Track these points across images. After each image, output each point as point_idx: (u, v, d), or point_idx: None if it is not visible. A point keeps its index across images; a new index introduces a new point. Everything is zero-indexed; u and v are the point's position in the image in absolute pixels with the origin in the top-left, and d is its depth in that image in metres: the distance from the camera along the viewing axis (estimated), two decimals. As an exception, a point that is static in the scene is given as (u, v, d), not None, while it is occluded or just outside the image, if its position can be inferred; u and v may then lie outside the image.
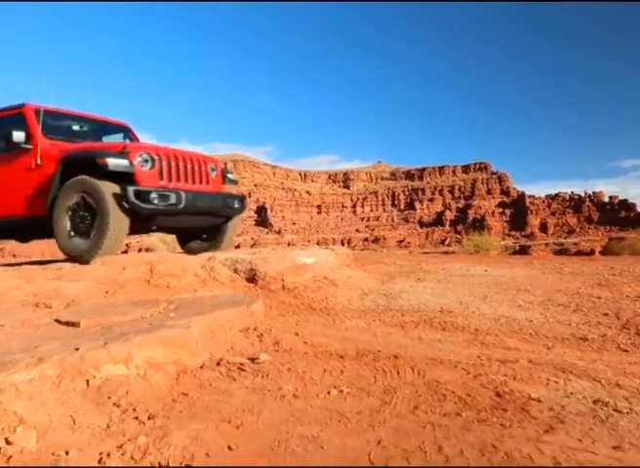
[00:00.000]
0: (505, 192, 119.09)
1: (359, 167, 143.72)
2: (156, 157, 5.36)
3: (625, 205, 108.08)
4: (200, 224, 6.07)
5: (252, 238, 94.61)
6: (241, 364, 2.26)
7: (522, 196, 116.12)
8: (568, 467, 1.43)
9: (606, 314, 4.21)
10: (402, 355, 2.57)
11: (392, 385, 2.10)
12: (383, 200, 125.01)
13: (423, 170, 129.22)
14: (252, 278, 4.78)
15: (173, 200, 5.21)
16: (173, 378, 2.05)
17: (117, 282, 4.37)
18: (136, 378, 1.96)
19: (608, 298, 4.82)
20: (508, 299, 4.74)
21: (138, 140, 6.94)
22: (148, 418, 1.69)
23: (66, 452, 1.46)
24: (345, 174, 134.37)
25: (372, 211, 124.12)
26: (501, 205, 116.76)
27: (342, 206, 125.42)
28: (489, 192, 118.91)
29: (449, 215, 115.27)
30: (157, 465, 1.42)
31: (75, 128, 6.52)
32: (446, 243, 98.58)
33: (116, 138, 6.92)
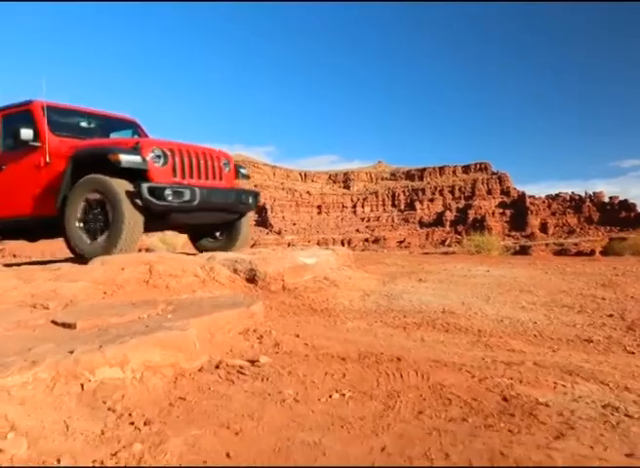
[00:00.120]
0: (506, 192, 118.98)
1: (359, 167, 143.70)
2: (169, 152, 5.24)
3: (626, 205, 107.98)
4: (213, 221, 5.96)
5: (252, 238, 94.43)
6: (240, 367, 2.20)
7: (522, 196, 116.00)
8: (580, 475, 1.37)
9: (610, 315, 4.16)
10: (405, 357, 2.51)
11: (395, 389, 2.04)
12: (384, 200, 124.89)
13: (424, 170, 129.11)
14: (252, 278, 4.72)
15: (187, 196, 5.10)
16: (170, 382, 2.00)
17: (116, 282, 4.31)
18: (132, 382, 1.91)
19: (612, 299, 4.77)
20: (511, 300, 4.69)
21: (146, 136, 6.79)
22: (144, 424, 1.63)
23: (58, 460, 1.41)
24: (346, 174, 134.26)
25: (372, 211, 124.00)
26: (502, 205, 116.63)
27: (343, 206, 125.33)
28: (489, 192, 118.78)
29: (449, 216, 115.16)
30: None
31: (83, 124, 6.40)
32: (446, 243, 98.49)
33: (124, 134, 6.80)
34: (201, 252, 6.31)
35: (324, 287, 4.91)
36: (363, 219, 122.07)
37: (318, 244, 60.77)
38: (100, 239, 5.05)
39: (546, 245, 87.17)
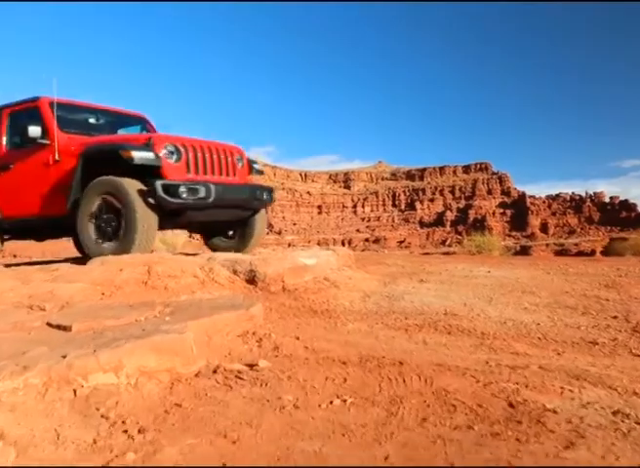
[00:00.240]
0: (506, 192, 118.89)
1: (360, 167, 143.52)
2: (182, 148, 5.11)
3: (626, 205, 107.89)
4: (228, 218, 5.82)
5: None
6: (239, 371, 2.14)
7: (523, 196, 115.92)
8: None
9: (615, 317, 4.10)
10: (407, 361, 2.45)
11: (398, 394, 1.99)
12: (384, 200, 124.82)
13: (424, 170, 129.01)
14: (251, 279, 4.67)
15: (202, 193, 4.97)
16: (166, 388, 1.93)
17: (114, 283, 4.26)
18: (126, 388, 1.85)
19: (616, 300, 4.71)
20: (514, 301, 4.64)
21: (155, 132, 6.60)
22: (138, 432, 1.58)
23: (48, 471, 1.35)
24: (346, 174, 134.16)
25: (372, 211, 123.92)
26: (502, 205, 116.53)
27: (343, 206, 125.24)
28: (489, 192, 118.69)
29: (449, 216, 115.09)
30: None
31: (91, 120, 6.25)
32: (447, 243, 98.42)
33: (133, 131, 6.65)
34: (214, 251, 6.19)
35: (324, 288, 4.85)
36: (363, 219, 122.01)
37: (318, 244, 60.75)
38: (115, 240, 4.94)
39: (547, 245, 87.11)
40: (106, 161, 4.97)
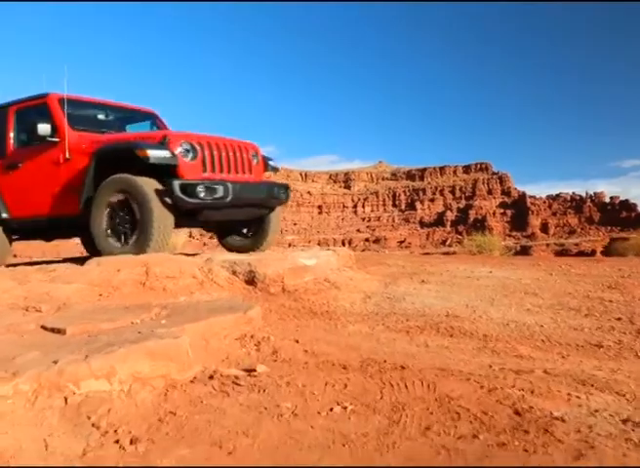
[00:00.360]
0: (506, 192, 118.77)
1: (360, 167, 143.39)
2: (198, 146, 4.98)
3: (626, 205, 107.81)
4: (245, 217, 5.70)
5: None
6: (236, 377, 2.07)
7: (523, 196, 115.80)
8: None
9: (619, 318, 4.04)
10: (409, 365, 2.39)
11: (400, 401, 1.92)
12: (384, 200, 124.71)
13: (424, 170, 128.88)
14: (251, 280, 4.61)
15: (220, 193, 4.85)
16: (160, 394, 1.87)
17: (111, 284, 4.21)
18: (119, 395, 1.78)
19: (620, 302, 4.65)
20: (516, 303, 4.57)
21: (166, 128, 6.48)
22: (130, 442, 1.51)
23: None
24: (346, 174, 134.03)
25: (373, 211, 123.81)
26: (502, 205, 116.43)
27: (343, 206, 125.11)
28: (490, 192, 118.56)
29: (450, 216, 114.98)
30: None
31: (100, 117, 6.10)
32: (447, 243, 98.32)
33: (142, 127, 6.51)
34: (228, 250, 6.11)
35: (324, 288, 4.79)
36: (364, 219, 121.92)
37: (319, 244, 60.70)
38: (130, 241, 4.83)
39: (547, 245, 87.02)
40: (121, 160, 4.86)
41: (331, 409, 1.83)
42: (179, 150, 4.83)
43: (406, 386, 2.07)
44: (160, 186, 4.74)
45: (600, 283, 5.57)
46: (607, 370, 2.63)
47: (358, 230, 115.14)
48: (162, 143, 4.81)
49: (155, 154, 4.67)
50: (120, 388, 1.81)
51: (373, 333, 3.35)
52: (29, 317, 3.33)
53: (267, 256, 5.09)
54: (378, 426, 1.70)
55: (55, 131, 5.28)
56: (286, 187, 5.99)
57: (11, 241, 6.10)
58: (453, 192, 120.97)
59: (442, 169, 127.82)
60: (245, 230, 6.17)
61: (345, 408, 1.85)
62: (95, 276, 4.28)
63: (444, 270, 6.55)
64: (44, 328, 2.85)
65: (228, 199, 4.93)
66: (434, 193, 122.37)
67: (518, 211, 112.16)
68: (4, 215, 5.77)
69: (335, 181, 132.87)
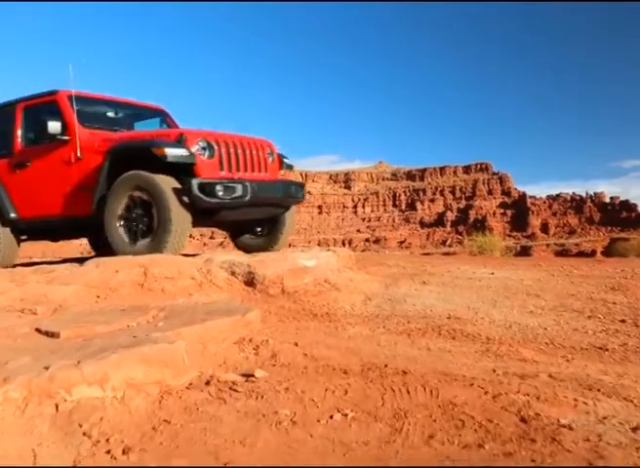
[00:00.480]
0: (506, 193, 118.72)
1: (360, 167, 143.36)
2: (214, 144, 4.87)
3: (627, 205, 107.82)
4: (261, 216, 5.58)
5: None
6: (233, 382, 2.01)
7: (523, 196, 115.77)
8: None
9: (623, 321, 3.99)
10: (411, 370, 2.34)
11: (402, 408, 1.86)
12: (384, 200, 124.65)
13: (424, 170, 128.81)
14: (250, 282, 4.55)
15: (239, 192, 4.73)
16: (155, 401, 1.81)
17: (109, 285, 4.16)
18: (112, 402, 1.72)
19: (623, 303, 4.59)
20: (518, 305, 4.52)
21: (176, 126, 6.36)
22: (123, 452, 1.46)
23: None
24: (346, 174, 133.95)
25: (373, 211, 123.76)
26: (503, 205, 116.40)
27: (344, 206, 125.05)
28: (490, 193, 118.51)
29: (450, 216, 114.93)
30: None
31: (110, 114, 5.95)
32: (447, 243, 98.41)
33: (152, 125, 6.35)
34: (243, 249, 6.02)
35: (325, 290, 4.74)
36: (364, 220, 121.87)
37: (319, 244, 60.66)
38: (146, 240, 4.73)
39: (547, 245, 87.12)
40: (135, 158, 4.75)
41: (331, 417, 1.77)
42: (195, 148, 4.72)
43: (408, 392, 2.02)
44: (177, 185, 4.64)
45: (603, 284, 5.52)
46: (613, 374, 2.57)
47: (358, 230, 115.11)
48: (179, 141, 4.70)
49: (173, 152, 4.56)
50: (113, 395, 1.75)
51: (373, 336, 3.30)
52: (24, 319, 3.28)
53: (267, 257, 5.03)
54: (379, 434, 1.64)
55: (65, 129, 5.16)
56: (302, 186, 5.90)
57: (19, 242, 5.98)
58: (453, 192, 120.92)
59: (442, 169, 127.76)
60: (259, 229, 6.07)
61: (346, 415, 1.79)
62: (93, 277, 4.23)
63: (445, 271, 6.49)
64: (38, 331, 2.80)
65: (247, 198, 4.82)
66: (434, 193, 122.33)
67: (518, 211, 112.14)
68: (12, 216, 5.65)
69: (335, 181, 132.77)
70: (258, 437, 1.59)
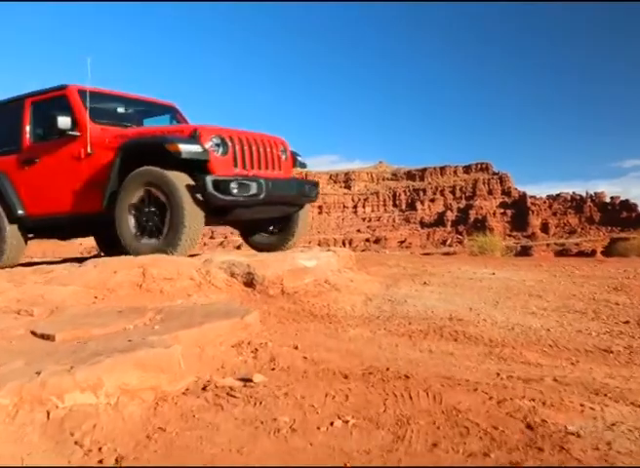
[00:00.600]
0: (507, 192, 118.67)
1: (360, 167, 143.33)
2: (229, 141, 4.77)
3: (627, 205, 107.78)
4: (275, 215, 5.47)
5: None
6: (231, 388, 1.96)
7: (523, 196, 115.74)
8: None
9: (627, 322, 3.93)
10: (413, 374, 2.28)
11: (405, 414, 1.81)
12: (385, 200, 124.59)
13: (425, 170, 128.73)
14: (249, 282, 4.50)
15: (254, 190, 4.63)
16: (149, 408, 1.75)
17: (107, 286, 4.11)
18: (105, 409, 1.66)
19: (626, 304, 4.54)
20: (521, 305, 4.46)
21: (186, 122, 6.26)
22: (115, 462, 1.40)
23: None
24: (347, 174, 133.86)
25: (373, 211, 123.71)
26: (503, 205, 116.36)
27: (344, 206, 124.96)
28: (490, 192, 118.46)
29: (450, 216, 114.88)
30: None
31: (120, 110, 5.84)
32: (447, 243, 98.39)
33: (162, 121, 6.26)
34: (255, 248, 5.95)
35: (325, 291, 4.68)
36: (364, 219, 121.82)
37: (319, 244, 60.54)
38: (158, 238, 4.64)
39: (547, 245, 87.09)
40: (147, 154, 4.67)
41: (331, 424, 1.71)
42: (209, 145, 4.63)
43: (410, 397, 1.96)
44: (191, 182, 4.56)
45: (605, 284, 5.46)
46: (619, 377, 2.52)
47: (358, 230, 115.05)
48: (193, 137, 4.60)
49: (187, 149, 4.47)
50: (107, 401, 1.70)
51: (374, 338, 3.25)
52: (20, 321, 3.24)
53: (267, 258, 4.98)
54: (381, 442, 1.59)
55: (75, 124, 5.07)
56: (316, 185, 5.82)
57: (26, 240, 5.87)
58: (453, 192, 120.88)
59: (442, 169, 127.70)
60: (271, 228, 5.97)
61: (347, 421, 1.73)
62: (91, 278, 4.18)
63: (446, 271, 6.43)
64: (33, 333, 2.75)
65: (262, 196, 4.73)
66: (434, 193, 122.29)
67: (518, 211, 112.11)
68: (20, 213, 5.54)
69: (335, 181, 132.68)
70: (255, 445, 1.53)
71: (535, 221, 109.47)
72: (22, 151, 5.58)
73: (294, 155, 5.76)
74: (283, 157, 5.47)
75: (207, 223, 4.88)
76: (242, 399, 1.88)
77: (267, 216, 5.46)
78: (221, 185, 4.49)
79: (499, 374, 2.43)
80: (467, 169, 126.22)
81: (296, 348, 2.73)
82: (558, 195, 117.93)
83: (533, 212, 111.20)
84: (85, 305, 3.74)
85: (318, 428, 1.68)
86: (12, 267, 5.25)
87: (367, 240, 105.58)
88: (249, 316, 2.89)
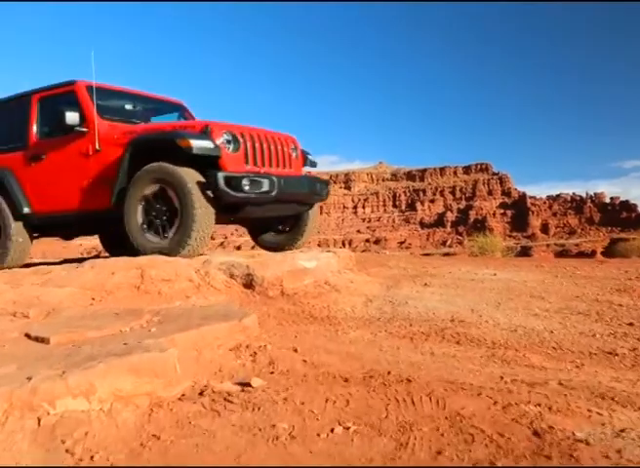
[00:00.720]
0: (507, 193, 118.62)
1: (360, 168, 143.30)
2: (240, 137, 4.71)
3: (627, 206, 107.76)
4: (286, 213, 5.40)
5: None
6: (228, 393, 1.90)
7: (523, 197, 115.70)
8: None
9: (631, 324, 3.88)
10: (415, 377, 2.23)
11: (407, 420, 1.76)
12: (384, 201, 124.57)
13: (424, 170, 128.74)
14: (249, 283, 4.45)
15: (266, 187, 4.57)
16: (144, 414, 1.70)
17: (105, 288, 4.06)
18: (98, 415, 1.61)
19: (630, 306, 4.49)
20: (523, 307, 4.41)
21: (195, 120, 6.17)
22: (107, 472, 1.35)
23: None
24: (346, 174, 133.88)
25: (373, 211, 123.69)
26: (503, 206, 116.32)
27: (344, 207, 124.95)
28: (490, 193, 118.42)
29: (450, 216, 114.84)
30: None
31: (128, 107, 5.76)
32: (447, 244, 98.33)
33: (169, 118, 6.18)
34: (264, 247, 5.89)
35: (325, 292, 4.63)
36: (364, 220, 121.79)
37: (319, 245, 60.62)
38: (168, 235, 4.57)
39: (547, 245, 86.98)
40: (157, 151, 4.61)
41: (332, 430, 1.66)
42: (220, 141, 4.56)
43: (413, 402, 1.91)
44: (201, 178, 4.49)
45: (608, 286, 5.41)
46: (626, 381, 2.47)
47: (358, 231, 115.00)
48: (204, 133, 4.54)
49: (198, 144, 4.39)
50: (100, 407, 1.64)
51: (375, 340, 3.19)
52: (16, 324, 3.19)
53: (266, 259, 4.92)
54: (383, 450, 1.54)
55: (83, 120, 5.00)
56: (327, 183, 5.75)
57: (32, 239, 5.78)
58: (453, 193, 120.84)
59: (442, 169, 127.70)
60: (280, 227, 5.91)
61: (348, 428, 1.68)
62: (88, 279, 4.14)
63: (446, 272, 6.38)
64: (28, 336, 2.70)
65: (273, 193, 4.66)
66: (434, 194, 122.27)
67: (518, 211, 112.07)
68: (26, 210, 5.45)
69: (335, 182, 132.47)
70: (253, 453, 1.48)
71: (535, 222, 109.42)
72: (29, 148, 5.50)
73: (304, 153, 5.71)
74: (294, 155, 5.41)
75: (217, 221, 4.80)
76: (240, 404, 1.82)
77: (278, 215, 5.40)
78: (233, 182, 4.42)
79: (502, 378, 2.38)
80: (467, 169, 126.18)
81: (295, 351, 2.68)
82: (558, 196, 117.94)
83: (533, 212, 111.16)
84: (82, 307, 3.69)
85: (318, 435, 1.63)
86: (19, 267, 5.19)
87: (367, 240, 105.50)
88: (247, 318, 2.83)
